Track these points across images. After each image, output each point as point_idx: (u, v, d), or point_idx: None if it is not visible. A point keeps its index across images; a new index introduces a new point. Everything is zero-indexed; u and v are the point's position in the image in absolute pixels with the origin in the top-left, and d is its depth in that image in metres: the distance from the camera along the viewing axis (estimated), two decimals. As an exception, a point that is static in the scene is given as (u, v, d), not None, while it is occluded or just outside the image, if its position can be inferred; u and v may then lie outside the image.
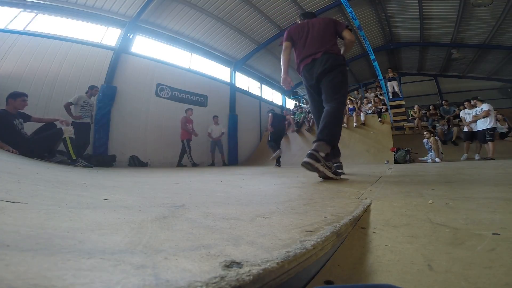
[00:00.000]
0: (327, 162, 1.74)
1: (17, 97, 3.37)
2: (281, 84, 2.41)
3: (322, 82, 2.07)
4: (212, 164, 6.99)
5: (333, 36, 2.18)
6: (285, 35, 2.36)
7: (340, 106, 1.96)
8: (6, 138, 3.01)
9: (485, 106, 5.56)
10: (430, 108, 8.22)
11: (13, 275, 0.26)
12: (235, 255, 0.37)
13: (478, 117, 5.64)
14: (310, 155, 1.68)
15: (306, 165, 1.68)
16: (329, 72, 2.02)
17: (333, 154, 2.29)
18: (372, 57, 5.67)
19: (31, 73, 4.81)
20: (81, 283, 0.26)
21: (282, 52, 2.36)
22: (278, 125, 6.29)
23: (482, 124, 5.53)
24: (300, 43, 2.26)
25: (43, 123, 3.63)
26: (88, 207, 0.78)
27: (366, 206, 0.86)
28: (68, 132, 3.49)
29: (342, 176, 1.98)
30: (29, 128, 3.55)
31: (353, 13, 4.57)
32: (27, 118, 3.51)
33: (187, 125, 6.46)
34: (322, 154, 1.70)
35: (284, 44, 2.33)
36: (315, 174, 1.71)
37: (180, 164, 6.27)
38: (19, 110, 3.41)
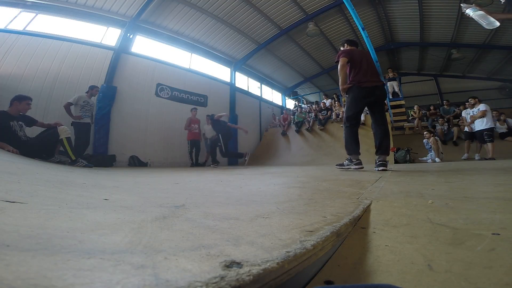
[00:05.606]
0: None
1: (22, 100, 3.37)
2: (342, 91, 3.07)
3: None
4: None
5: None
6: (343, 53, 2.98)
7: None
8: (2, 139, 3.01)
9: (481, 107, 5.55)
10: (431, 108, 8.22)
11: (13, 275, 0.26)
12: (235, 255, 0.38)
13: (475, 117, 5.63)
14: (385, 163, 2.74)
15: (384, 164, 2.70)
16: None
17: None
18: (375, 58, 5.68)
19: (31, 73, 4.81)
20: (81, 283, 0.26)
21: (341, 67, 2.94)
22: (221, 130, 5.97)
23: (480, 125, 5.52)
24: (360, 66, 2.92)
25: (45, 128, 3.60)
26: (88, 207, 0.78)
27: (366, 206, 0.86)
28: (64, 132, 3.46)
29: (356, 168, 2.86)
30: (36, 132, 3.56)
31: (357, 14, 4.56)
32: (32, 122, 3.50)
33: (191, 125, 6.48)
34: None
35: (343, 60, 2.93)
36: (315, 174, 1.84)
37: (197, 164, 6.40)
38: (22, 113, 3.40)
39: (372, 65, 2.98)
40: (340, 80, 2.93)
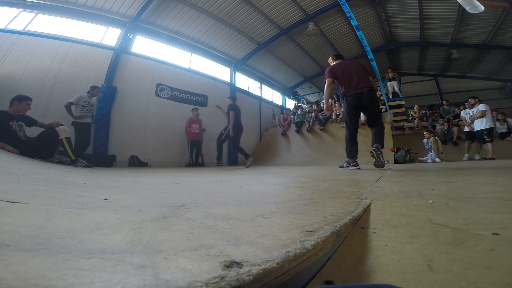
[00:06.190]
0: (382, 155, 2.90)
1: (22, 100, 3.37)
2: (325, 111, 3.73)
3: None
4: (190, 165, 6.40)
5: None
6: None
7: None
8: (1, 139, 3.01)
9: (481, 107, 5.55)
10: (434, 108, 8.24)
11: (13, 275, 0.26)
12: (235, 255, 0.38)
13: (474, 117, 5.63)
14: (377, 147, 2.86)
15: (375, 150, 2.82)
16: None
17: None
18: (370, 56, 5.66)
19: (31, 73, 4.80)
20: (81, 283, 0.26)
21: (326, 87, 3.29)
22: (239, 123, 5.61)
23: (479, 125, 5.51)
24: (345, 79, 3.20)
25: (44, 128, 3.59)
26: (88, 207, 0.78)
27: (366, 206, 0.86)
28: (63, 132, 3.46)
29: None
30: (36, 132, 3.55)
31: (350, 13, 4.55)
32: (32, 122, 3.50)
33: (192, 125, 6.47)
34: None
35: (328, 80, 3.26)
36: (315, 175, 1.89)
37: (197, 164, 6.38)
38: (22, 114, 3.40)
39: (358, 73, 3.18)
40: (324, 99, 3.42)
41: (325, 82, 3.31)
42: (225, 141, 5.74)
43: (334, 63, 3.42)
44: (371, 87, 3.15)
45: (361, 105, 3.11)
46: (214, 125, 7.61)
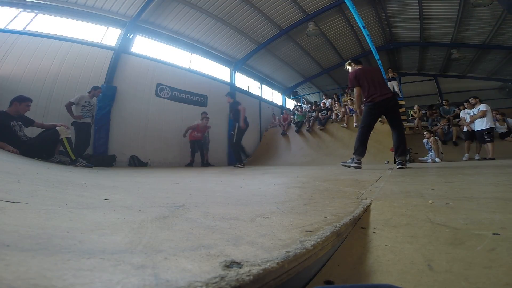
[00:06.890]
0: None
1: (23, 101, 3.38)
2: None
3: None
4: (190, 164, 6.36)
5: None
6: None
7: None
8: (2, 139, 3.01)
9: (482, 107, 5.54)
10: (433, 108, 8.24)
11: (13, 275, 0.26)
12: (235, 255, 0.37)
13: (475, 117, 5.62)
14: (402, 163, 3.27)
15: (402, 166, 3.21)
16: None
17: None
18: (377, 57, 5.67)
19: (31, 73, 4.80)
20: (81, 283, 0.26)
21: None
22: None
23: (479, 125, 5.50)
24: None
25: (43, 129, 3.59)
26: (88, 207, 0.78)
27: (366, 206, 0.86)
28: (64, 132, 3.47)
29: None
30: (36, 132, 3.54)
31: (357, 13, 4.55)
32: (30, 122, 3.50)
33: (195, 132, 6.44)
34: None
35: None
36: (315, 175, 1.95)
37: (203, 164, 6.42)
38: (21, 114, 3.40)
39: (379, 79, 3.41)
40: (355, 105, 3.75)
41: (350, 88, 3.59)
42: (240, 140, 5.42)
43: (357, 67, 3.52)
44: (393, 92, 3.47)
45: (384, 109, 3.36)
46: (216, 125, 7.61)
